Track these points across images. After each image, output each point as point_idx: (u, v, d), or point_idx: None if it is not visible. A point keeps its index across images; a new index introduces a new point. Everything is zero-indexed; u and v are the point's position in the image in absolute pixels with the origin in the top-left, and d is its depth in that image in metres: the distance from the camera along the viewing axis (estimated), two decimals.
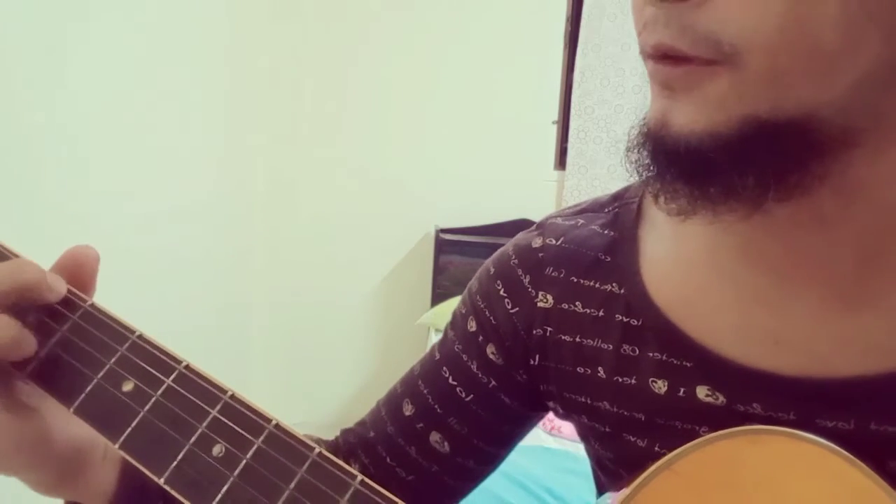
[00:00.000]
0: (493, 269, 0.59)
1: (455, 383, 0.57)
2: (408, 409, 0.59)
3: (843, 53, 0.35)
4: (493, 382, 0.57)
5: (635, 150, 0.42)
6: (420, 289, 2.88)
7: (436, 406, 0.58)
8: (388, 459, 0.58)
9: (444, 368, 0.58)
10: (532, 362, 0.55)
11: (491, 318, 0.57)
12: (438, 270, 2.84)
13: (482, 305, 0.58)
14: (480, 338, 0.57)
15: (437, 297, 2.81)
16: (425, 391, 0.58)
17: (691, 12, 0.36)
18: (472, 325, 0.58)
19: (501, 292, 0.57)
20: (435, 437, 0.58)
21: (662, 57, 0.38)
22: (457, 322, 0.60)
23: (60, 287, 0.43)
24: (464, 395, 0.57)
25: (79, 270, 0.45)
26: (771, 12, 0.34)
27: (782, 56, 0.35)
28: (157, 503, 0.49)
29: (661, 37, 0.38)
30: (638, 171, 0.42)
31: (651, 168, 0.41)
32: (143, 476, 0.40)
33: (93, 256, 0.46)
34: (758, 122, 0.37)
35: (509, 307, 0.56)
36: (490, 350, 0.57)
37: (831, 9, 0.34)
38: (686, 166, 0.39)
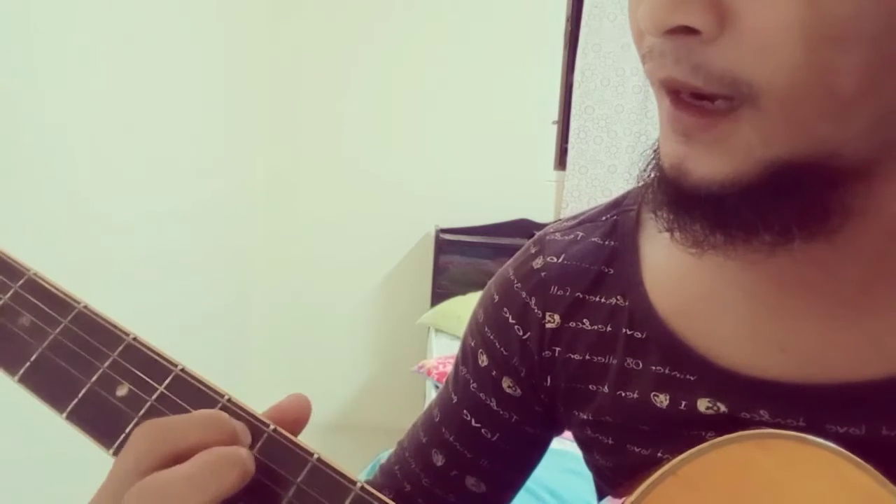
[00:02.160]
0: (497, 297, 0.57)
1: (479, 425, 0.57)
2: (438, 460, 0.58)
3: (861, 99, 0.34)
4: (515, 416, 0.56)
5: (650, 191, 0.40)
6: (420, 289, 2.88)
7: (465, 451, 0.57)
8: None
9: (465, 411, 0.58)
10: (546, 384, 0.55)
11: (502, 349, 0.56)
12: (438, 270, 2.84)
13: (492, 337, 0.56)
14: (494, 372, 0.56)
15: (437, 296, 2.80)
16: (451, 438, 0.58)
17: (702, 49, 0.35)
18: (484, 360, 0.57)
19: (510, 319, 0.55)
20: (470, 480, 0.58)
21: (676, 95, 0.37)
22: (467, 357, 0.59)
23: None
24: (489, 435, 0.57)
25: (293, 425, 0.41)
26: (788, 58, 0.33)
27: (800, 101, 0.34)
28: None
29: (672, 73, 0.36)
30: (654, 211, 0.41)
31: (668, 209, 0.40)
32: None
33: (305, 406, 0.42)
34: (779, 165, 0.35)
35: (520, 333, 0.55)
36: (506, 383, 0.56)
37: (852, 58, 0.33)
38: (706, 211, 0.38)
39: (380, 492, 0.60)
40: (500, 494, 0.59)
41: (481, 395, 0.57)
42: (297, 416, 0.41)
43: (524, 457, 0.59)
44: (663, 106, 0.38)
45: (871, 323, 0.43)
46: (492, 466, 0.57)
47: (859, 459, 0.38)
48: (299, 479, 0.37)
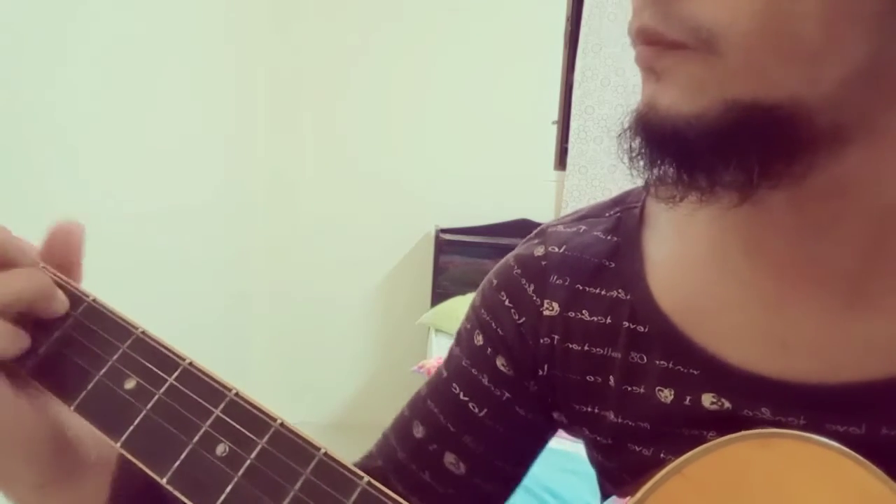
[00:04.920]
0: (495, 281, 0.57)
1: (466, 399, 0.55)
2: (418, 432, 0.56)
3: (825, 49, 0.35)
4: (507, 394, 0.54)
5: (626, 136, 0.42)
6: (420, 289, 2.88)
7: (448, 424, 0.55)
8: (400, 488, 0.55)
9: (454, 385, 0.56)
10: (541, 372, 0.54)
11: (498, 329, 0.55)
12: (438, 270, 2.84)
13: (488, 318, 0.56)
14: (489, 350, 0.55)
15: (437, 296, 2.80)
16: (436, 410, 0.56)
17: None
18: (479, 339, 0.56)
19: (507, 303, 0.55)
20: (449, 458, 0.55)
21: (644, 41, 0.39)
22: (462, 338, 0.58)
23: (62, 307, 0.42)
24: (477, 410, 0.55)
25: (66, 248, 0.44)
26: (749, 4, 0.35)
27: (760, 47, 0.36)
28: None
29: (644, 20, 0.38)
30: (629, 157, 0.42)
31: (640, 152, 0.41)
32: (134, 489, 0.39)
33: (77, 232, 0.45)
34: (741, 109, 0.37)
35: (516, 317, 0.54)
36: (500, 362, 0.55)
37: (811, 5, 0.34)
38: (672, 149, 0.39)
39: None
40: (480, 482, 0.55)
41: (473, 370, 0.55)
42: (65, 239, 0.44)
43: (512, 443, 0.56)
44: (636, 54, 0.41)
45: (871, 320, 0.43)
46: (475, 446, 0.55)
47: (862, 458, 0.38)
48: (307, 472, 0.38)
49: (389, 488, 0.56)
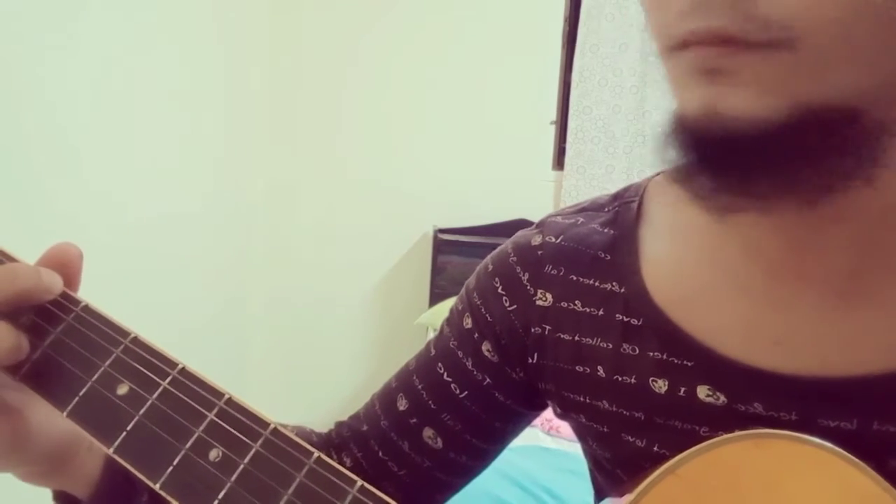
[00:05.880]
0: (491, 267, 0.58)
1: (449, 379, 0.57)
2: (402, 404, 0.58)
3: (891, 42, 0.35)
4: (488, 380, 0.56)
5: (670, 142, 0.39)
6: (418, 289, 2.88)
7: (430, 402, 0.57)
8: (380, 454, 0.58)
9: (440, 364, 0.58)
10: (530, 360, 0.55)
11: (487, 315, 0.56)
12: (437, 271, 2.84)
13: (479, 302, 0.57)
14: (476, 335, 0.57)
15: (435, 297, 2.80)
16: (419, 386, 0.58)
17: None
18: (468, 322, 0.58)
19: (499, 290, 0.56)
20: (428, 432, 0.57)
21: (710, 42, 0.36)
22: (453, 318, 0.60)
23: (56, 286, 0.43)
24: (458, 391, 0.57)
25: (63, 269, 0.44)
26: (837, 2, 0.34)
27: (839, 42, 0.34)
28: (142, 490, 0.49)
29: (711, 20, 0.35)
30: (676, 171, 0.39)
31: (693, 164, 0.38)
32: None
33: (76, 254, 0.45)
34: (813, 108, 0.35)
35: (507, 304, 0.55)
36: (485, 347, 0.56)
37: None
38: (740, 157, 0.37)
39: (339, 432, 0.61)
40: (455, 456, 0.58)
41: (459, 352, 0.57)
42: (63, 259, 0.44)
43: (489, 424, 0.58)
44: (684, 58, 0.37)
45: (864, 316, 0.44)
46: (453, 424, 0.57)
47: (853, 457, 0.38)
48: (301, 476, 0.38)
49: (370, 452, 0.58)
